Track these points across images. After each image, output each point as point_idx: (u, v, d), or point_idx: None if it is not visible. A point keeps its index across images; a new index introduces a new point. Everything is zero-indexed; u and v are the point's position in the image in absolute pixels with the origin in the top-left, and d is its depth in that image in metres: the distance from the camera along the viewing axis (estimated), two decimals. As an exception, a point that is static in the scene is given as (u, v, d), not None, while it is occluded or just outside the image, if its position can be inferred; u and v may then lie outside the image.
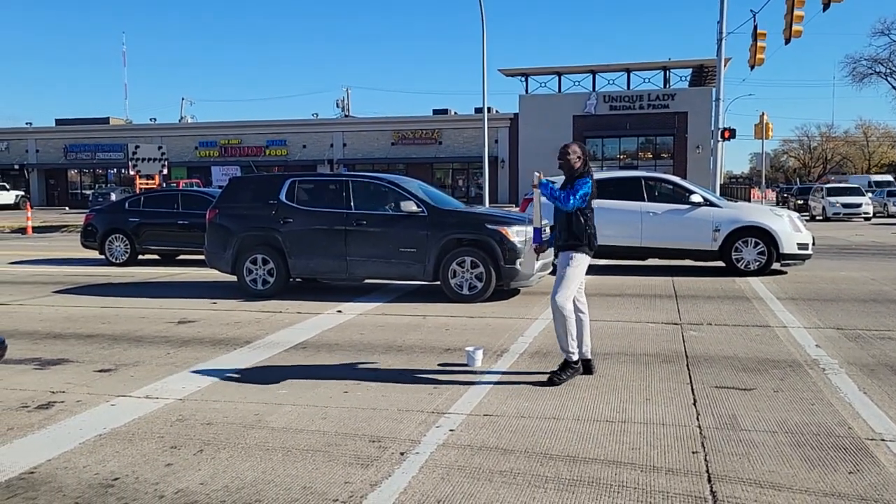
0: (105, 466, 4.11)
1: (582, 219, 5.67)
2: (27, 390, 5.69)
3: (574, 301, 5.77)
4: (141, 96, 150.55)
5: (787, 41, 20.92)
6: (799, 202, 38.23)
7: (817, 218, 33.25)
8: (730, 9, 24.60)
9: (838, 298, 9.64)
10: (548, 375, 5.74)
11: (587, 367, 5.87)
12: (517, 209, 18.77)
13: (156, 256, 15.67)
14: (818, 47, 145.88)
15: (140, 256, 15.24)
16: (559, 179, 6.39)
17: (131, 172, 29.29)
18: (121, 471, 4.05)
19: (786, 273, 12.30)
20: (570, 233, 5.71)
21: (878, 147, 76.55)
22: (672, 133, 44.08)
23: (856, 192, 34.29)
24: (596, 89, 45.61)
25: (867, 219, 32.25)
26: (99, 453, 4.32)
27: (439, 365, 6.35)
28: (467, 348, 6.40)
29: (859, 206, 32.34)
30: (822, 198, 33.55)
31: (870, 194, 35.20)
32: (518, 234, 9.54)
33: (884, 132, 75.73)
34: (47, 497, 3.72)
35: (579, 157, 5.78)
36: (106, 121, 54.65)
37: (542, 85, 47.21)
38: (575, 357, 5.72)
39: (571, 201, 5.60)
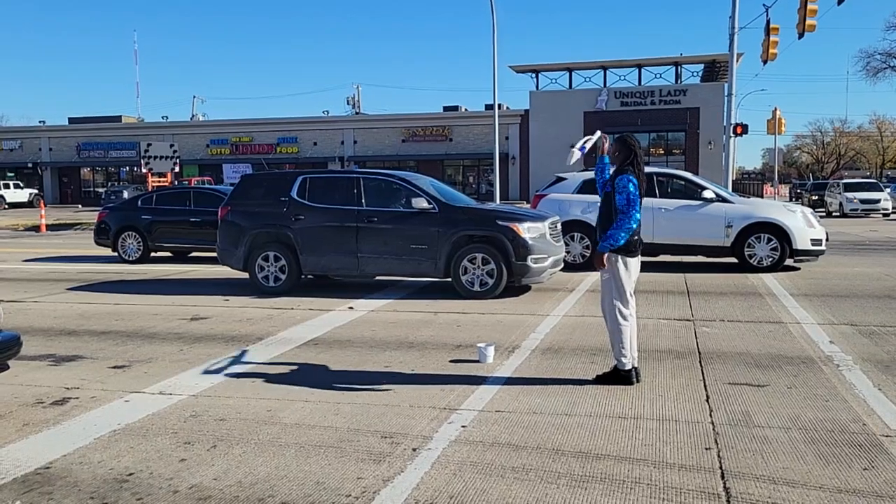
0: (119, 462, 4.14)
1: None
2: (42, 386, 5.74)
3: None
4: (153, 95, 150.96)
5: (801, 35, 20.78)
6: (814, 198, 37.44)
7: (834, 214, 32.76)
8: (742, 3, 24.46)
9: (852, 294, 9.58)
10: (596, 375, 5.65)
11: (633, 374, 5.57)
12: (528, 206, 18.74)
13: (168, 254, 15.77)
14: (832, 42, 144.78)
15: (152, 254, 15.33)
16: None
17: (143, 170, 29.43)
18: (135, 466, 4.08)
19: (799, 269, 12.23)
20: (603, 236, 5.44)
21: (893, 142, 75.95)
22: (684, 129, 43.85)
23: (874, 187, 33.70)
24: (607, 85, 45.45)
25: (886, 215, 31.57)
26: (113, 449, 4.35)
27: (451, 361, 6.35)
28: (479, 345, 6.40)
29: (878, 201, 31.57)
30: (840, 193, 32.92)
31: (888, 190, 34.57)
32: (530, 231, 9.53)
33: (898, 127, 75.11)
34: (63, 492, 3.76)
35: (618, 154, 5.47)
36: (118, 119, 55.02)
37: (553, 81, 47.10)
38: (627, 366, 5.46)
39: (631, 221, 5.23)
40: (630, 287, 5.46)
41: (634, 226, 5.30)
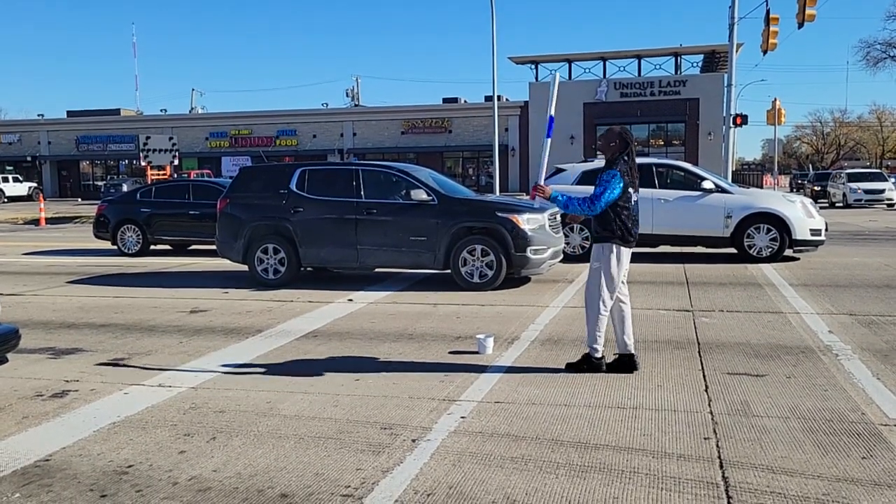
0: (119, 454, 4.15)
1: (611, 213, 5.38)
2: (41, 379, 5.75)
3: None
4: (151, 87, 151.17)
5: (801, 25, 20.74)
6: (816, 188, 36.92)
7: (837, 204, 32.48)
8: (742, -7, 24.37)
9: (851, 284, 9.58)
10: (566, 363, 5.71)
11: (630, 362, 5.57)
12: (527, 197, 18.71)
13: (167, 247, 15.76)
14: (832, 31, 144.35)
15: (152, 247, 15.33)
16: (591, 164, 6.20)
17: (142, 163, 29.38)
18: (135, 458, 4.08)
19: (798, 259, 12.23)
20: (600, 224, 5.46)
21: (893, 132, 75.82)
22: (683, 120, 43.76)
23: (878, 177, 33.26)
24: (606, 76, 45.33)
25: (890, 205, 31.17)
26: (113, 441, 4.36)
27: (450, 353, 6.36)
28: (478, 336, 6.40)
29: (882, 191, 31.15)
30: (843, 184, 32.46)
31: (892, 180, 34.19)
32: (529, 222, 9.52)
33: (898, 117, 74.95)
34: (62, 484, 3.76)
35: (613, 145, 5.48)
36: (117, 112, 54.87)
37: (553, 72, 46.90)
38: (598, 354, 5.53)
39: (596, 208, 5.34)
40: (619, 277, 5.49)
41: (590, 213, 5.37)
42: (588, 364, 5.57)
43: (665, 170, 12.83)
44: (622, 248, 5.45)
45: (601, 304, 5.46)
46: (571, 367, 5.64)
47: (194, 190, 15.30)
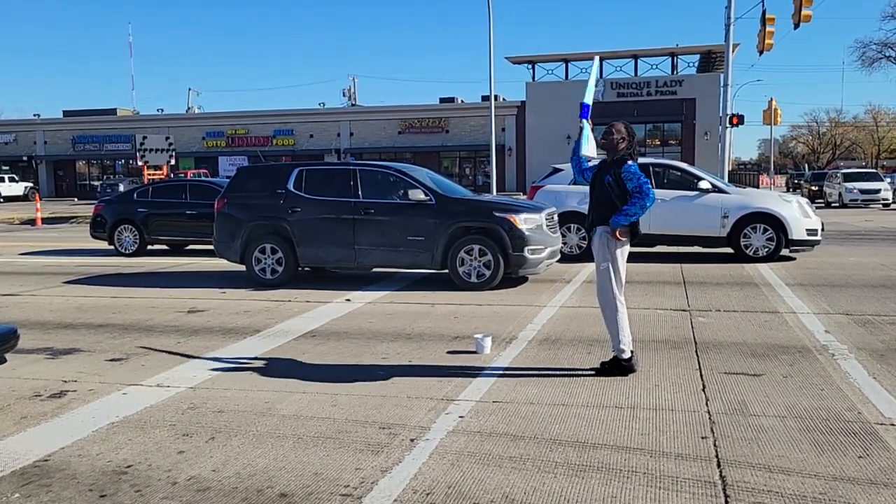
0: (118, 454, 4.15)
1: (621, 203, 5.34)
2: (40, 379, 5.74)
3: None
4: (148, 87, 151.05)
5: (797, 26, 20.78)
6: (813, 188, 36.78)
7: (833, 204, 32.47)
8: (738, -7, 24.40)
9: (847, 284, 9.60)
10: (600, 363, 5.63)
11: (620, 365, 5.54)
12: (525, 197, 18.74)
13: (164, 247, 15.75)
14: (827, 32, 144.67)
15: (149, 247, 15.32)
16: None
17: (139, 163, 29.35)
18: (133, 458, 4.08)
19: (795, 259, 12.26)
20: (610, 210, 5.38)
21: (888, 132, 75.97)
22: (680, 119, 43.82)
23: (874, 177, 33.24)
24: (603, 76, 45.35)
25: (886, 205, 31.16)
26: (112, 441, 4.36)
27: (448, 352, 6.36)
28: (476, 336, 6.41)
29: (878, 191, 31.13)
30: (839, 183, 32.41)
31: (888, 179, 34.09)
32: (526, 222, 9.53)
33: (893, 117, 75.06)
34: (61, 484, 3.76)
35: (623, 138, 5.46)
36: (113, 112, 54.75)
37: (549, 72, 47.02)
38: (626, 355, 5.45)
39: (648, 199, 5.26)
40: (624, 271, 5.51)
41: (650, 204, 5.32)
42: (619, 368, 5.48)
43: (662, 170, 12.85)
44: (626, 246, 5.46)
45: (617, 302, 5.44)
46: (601, 372, 5.53)
47: (191, 190, 15.29)
